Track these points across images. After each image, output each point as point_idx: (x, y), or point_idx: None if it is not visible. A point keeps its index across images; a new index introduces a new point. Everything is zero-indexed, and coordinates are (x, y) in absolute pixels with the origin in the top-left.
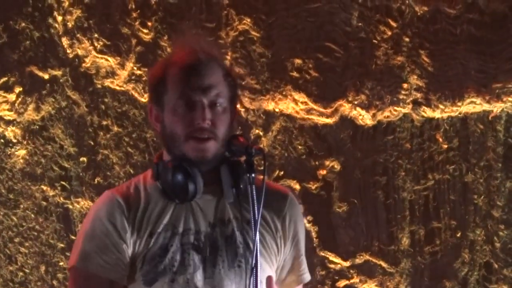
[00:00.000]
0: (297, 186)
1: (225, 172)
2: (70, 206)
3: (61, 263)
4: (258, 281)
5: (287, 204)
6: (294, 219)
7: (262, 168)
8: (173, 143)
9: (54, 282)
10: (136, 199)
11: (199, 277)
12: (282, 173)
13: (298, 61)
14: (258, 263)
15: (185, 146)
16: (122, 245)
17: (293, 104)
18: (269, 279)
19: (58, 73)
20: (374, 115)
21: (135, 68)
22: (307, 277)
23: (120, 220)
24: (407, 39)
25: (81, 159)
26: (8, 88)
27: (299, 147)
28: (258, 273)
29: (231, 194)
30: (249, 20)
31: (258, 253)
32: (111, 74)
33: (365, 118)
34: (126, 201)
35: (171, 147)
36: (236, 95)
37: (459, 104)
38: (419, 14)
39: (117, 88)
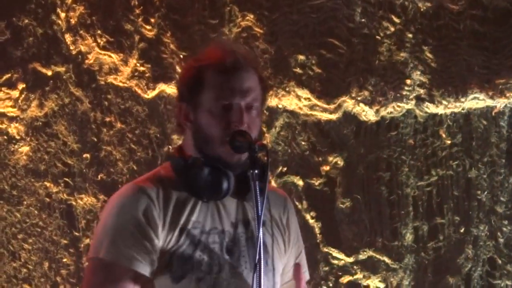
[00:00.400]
0: (301, 182)
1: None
2: (74, 203)
3: (64, 260)
4: (274, 282)
5: (287, 203)
6: (294, 219)
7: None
8: (207, 144)
9: (58, 279)
10: (165, 193)
11: (224, 277)
12: (285, 169)
13: (301, 57)
14: (275, 265)
15: (221, 148)
16: (154, 239)
17: (296, 100)
18: (297, 266)
19: (61, 69)
20: (377, 111)
21: (138, 64)
22: (306, 276)
23: (152, 214)
24: (410, 35)
25: (84, 155)
26: (11, 85)
27: (302, 143)
28: (276, 275)
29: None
30: (252, 16)
31: (274, 255)
32: (114, 70)
33: (368, 114)
34: (155, 194)
35: (204, 147)
36: (266, 99)
37: (463, 100)
38: (422, 10)
39: (120, 84)
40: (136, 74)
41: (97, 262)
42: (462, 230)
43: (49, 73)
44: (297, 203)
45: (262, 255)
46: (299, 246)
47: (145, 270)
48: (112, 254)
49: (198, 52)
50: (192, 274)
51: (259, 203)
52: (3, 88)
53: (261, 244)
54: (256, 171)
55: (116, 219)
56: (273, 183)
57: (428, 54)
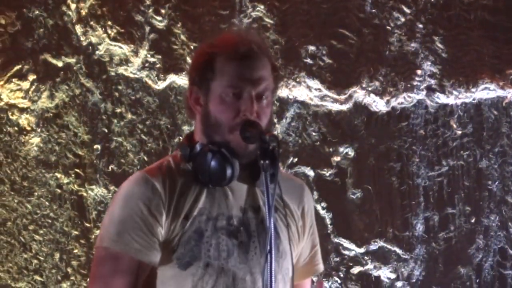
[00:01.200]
0: (311, 173)
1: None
2: (84, 194)
3: (75, 251)
4: (285, 268)
5: (305, 193)
6: (311, 209)
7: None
8: (216, 130)
9: (69, 270)
10: (171, 182)
11: (233, 262)
12: (296, 160)
13: (311, 47)
14: (287, 251)
15: (230, 136)
16: (157, 228)
17: (307, 91)
18: (319, 284)
19: (71, 60)
20: (388, 102)
21: (148, 55)
22: (320, 267)
23: (155, 203)
24: (420, 26)
25: (95, 146)
26: (22, 76)
27: (313, 133)
28: (288, 261)
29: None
30: (262, 7)
31: (287, 241)
32: (125, 61)
33: (379, 104)
34: (161, 182)
35: (212, 133)
36: (277, 88)
37: (473, 90)
38: (432, 0)
39: (131, 75)
40: (146, 65)
41: (102, 251)
42: (473, 220)
43: (60, 64)
44: (309, 191)
45: (273, 241)
46: (314, 239)
47: (149, 259)
48: (116, 244)
49: (213, 38)
50: (199, 261)
51: (269, 193)
52: (13, 79)
53: (272, 232)
54: (267, 161)
55: (120, 209)
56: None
57: (439, 44)
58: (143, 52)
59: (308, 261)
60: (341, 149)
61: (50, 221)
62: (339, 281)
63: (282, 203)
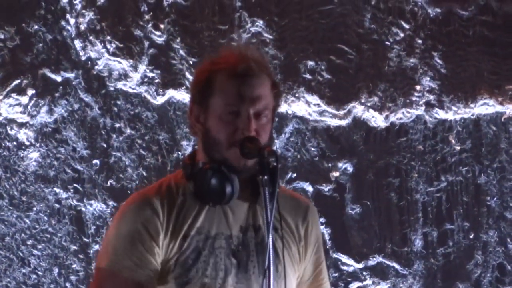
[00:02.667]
0: (310, 188)
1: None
2: (83, 209)
3: (74, 266)
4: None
5: (309, 212)
6: (315, 228)
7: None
8: (215, 148)
9: (67, 285)
10: (170, 201)
11: (230, 282)
12: (295, 175)
13: (310, 63)
14: (286, 273)
15: (228, 153)
16: (154, 248)
17: (305, 106)
18: None
19: (70, 75)
20: (387, 117)
21: (147, 70)
22: (327, 286)
23: (154, 223)
24: (419, 41)
25: (94, 161)
26: (20, 91)
27: (312, 149)
28: (287, 282)
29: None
30: (261, 22)
31: (286, 262)
32: (124, 76)
33: (378, 119)
34: (160, 203)
35: (211, 151)
36: (279, 105)
37: (472, 105)
38: (431, 16)
39: (130, 90)
40: (145, 80)
41: (100, 272)
42: (471, 236)
43: (59, 79)
44: (315, 210)
45: (272, 261)
46: (318, 258)
47: (145, 279)
48: (114, 264)
49: (214, 55)
50: (196, 280)
51: (268, 209)
52: (12, 94)
53: (271, 249)
54: (265, 177)
55: (119, 230)
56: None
57: (438, 60)
58: (142, 67)
59: (313, 280)
60: (340, 165)
61: (48, 236)
62: None
63: (284, 223)
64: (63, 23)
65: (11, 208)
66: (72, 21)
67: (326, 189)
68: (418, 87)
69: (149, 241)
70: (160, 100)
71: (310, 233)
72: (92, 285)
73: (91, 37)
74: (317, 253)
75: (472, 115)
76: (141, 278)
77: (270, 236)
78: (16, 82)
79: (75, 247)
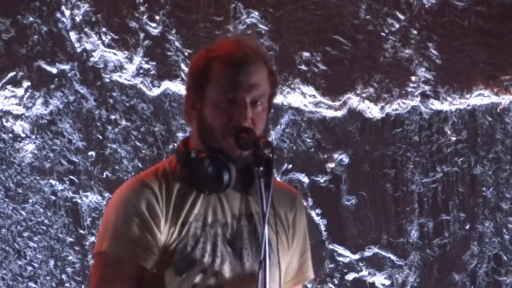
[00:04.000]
0: (306, 179)
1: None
2: (79, 200)
3: (70, 257)
4: (276, 277)
5: (296, 202)
6: (302, 218)
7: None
8: (210, 136)
9: (63, 277)
10: (168, 187)
11: (226, 269)
12: (290, 166)
13: (306, 54)
14: (278, 260)
15: (223, 141)
16: (156, 233)
17: (301, 97)
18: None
19: (66, 67)
20: (382, 108)
21: (143, 62)
22: (310, 275)
23: (154, 207)
24: (415, 32)
25: (90, 153)
26: (16, 83)
27: (308, 140)
28: (280, 269)
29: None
30: (257, 13)
31: (277, 251)
32: (119, 68)
33: (373, 111)
34: (158, 188)
35: (207, 139)
36: (275, 94)
37: (467, 96)
38: (427, 6)
39: (125, 82)
40: (141, 71)
41: (101, 256)
42: (467, 227)
43: (54, 71)
44: (302, 200)
45: (269, 250)
46: (304, 246)
47: (147, 263)
48: (115, 248)
49: (211, 43)
50: (194, 267)
51: (264, 200)
52: (8, 86)
53: (266, 240)
54: (261, 168)
55: (119, 213)
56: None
57: (433, 51)
58: (137, 59)
59: (297, 268)
60: (335, 156)
61: (44, 228)
62: None
63: (273, 212)
64: (58, 14)
65: (7, 200)
66: (67, 12)
67: (321, 180)
68: (413, 78)
69: (151, 224)
70: (155, 92)
71: (298, 221)
72: (93, 269)
73: (86, 29)
74: (303, 241)
75: (468, 105)
76: (145, 262)
77: (266, 228)
78: (12, 74)
79: (71, 239)
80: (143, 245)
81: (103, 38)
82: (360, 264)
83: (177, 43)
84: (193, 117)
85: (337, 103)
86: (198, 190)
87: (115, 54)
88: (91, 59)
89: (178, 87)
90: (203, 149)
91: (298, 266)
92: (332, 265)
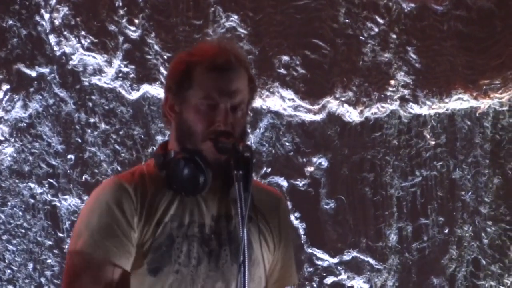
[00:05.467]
0: (285, 183)
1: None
2: (58, 204)
3: (49, 261)
4: (257, 277)
5: (281, 205)
6: (287, 221)
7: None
8: (188, 138)
9: (42, 280)
10: (143, 188)
11: (202, 270)
12: (269, 170)
13: (285, 57)
14: (259, 261)
15: (202, 145)
16: (130, 231)
17: (280, 101)
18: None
19: (45, 70)
20: (361, 112)
21: (122, 65)
22: (294, 280)
23: (128, 207)
24: (394, 36)
25: (69, 156)
26: None
27: (287, 144)
28: (261, 270)
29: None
30: (236, 17)
31: (261, 251)
32: (98, 71)
33: (352, 114)
34: (133, 188)
35: (185, 141)
36: (254, 99)
37: (447, 100)
38: (406, 10)
39: (105, 85)
40: (120, 75)
41: (75, 255)
42: (446, 231)
43: (33, 74)
44: (286, 203)
45: (246, 251)
46: (288, 250)
47: (122, 262)
48: (89, 246)
49: (192, 46)
50: (169, 267)
51: (243, 203)
52: None
53: (245, 246)
54: (240, 172)
55: (93, 213)
56: (260, 182)
57: (412, 55)
58: (116, 62)
59: (283, 272)
60: (314, 159)
61: (23, 231)
62: None
63: (256, 212)
64: (37, 18)
65: None
66: (46, 16)
67: (300, 184)
68: (392, 82)
69: (125, 223)
70: (134, 95)
71: (282, 224)
72: (66, 270)
73: (65, 32)
74: (287, 246)
75: (447, 109)
76: (119, 262)
77: (245, 232)
78: None
79: (50, 242)
80: (116, 244)
81: (83, 41)
82: (339, 267)
83: (156, 47)
84: (171, 119)
85: (316, 107)
86: (174, 191)
87: (94, 57)
88: (70, 62)
89: (157, 91)
90: (180, 151)
91: (282, 270)
92: (311, 269)
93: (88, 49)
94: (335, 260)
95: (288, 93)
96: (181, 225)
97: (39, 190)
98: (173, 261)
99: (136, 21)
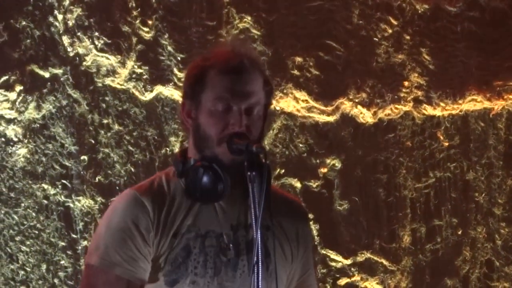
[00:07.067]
0: (298, 184)
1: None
2: (71, 205)
3: (62, 262)
4: (273, 286)
5: (301, 214)
6: (306, 231)
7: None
8: (205, 143)
9: (55, 281)
10: (161, 199)
11: (219, 280)
12: (283, 171)
13: (299, 59)
14: (278, 272)
15: (218, 149)
16: (145, 247)
17: (294, 102)
18: None
19: (58, 71)
20: (375, 113)
21: (135, 66)
22: None
23: (145, 222)
24: (408, 37)
25: (82, 157)
26: (9, 87)
27: (300, 145)
28: (278, 282)
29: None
30: (249, 18)
31: (277, 261)
32: (112, 72)
33: (366, 116)
34: (151, 201)
35: (202, 147)
36: (271, 102)
37: (460, 101)
38: (420, 12)
39: (118, 86)
40: (133, 76)
41: (90, 269)
42: (459, 232)
43: (47, 75)
44: (306, 211)
45: (261, 259)
46: (308, 260)
47: (137, 278)
48: (104, 262)
49: (206, 51)
50: (186, 278)
51: (256, 205)
52: (0, 90)
53: (259, 247)
54: (253, 173)
55: (109, 227)
56: (279, 189)
57: (426, 56)
58: (130, 63)
59: (301, 282)
60: (328, 161)
61: (36, 232)
62: None
63: (276, 222)
64: (51, 19)
65: None
66: (60, 17)
67: (314, 185)
68: (406, 83)
69: (139, 238)
70: (148, 96)
71: (301, 233)
72: (82, 281)
73: (79, 33)
74: (307, 254)
75: (460, 111)
76: (132, 276)
77: (259, 231)
78: (4, 78)
79: (63, 243)
80: (130, 260)
81: (96, 42)
82: (352, 269)
83: (169, 48)
84: (188, 125)
85: (330, 108)
86: (193, 200)
87: (107, 58)
88: (84, 63)
89: (170, 92)
90: (199, 158)
91: (302, 279)
92: (325, 270)
93: (101, 50)
94: (349, 262)
95: (302, 94)
96: (198, 235)
97: (52, 191)
98: (190, 272)
99: (150, 22)
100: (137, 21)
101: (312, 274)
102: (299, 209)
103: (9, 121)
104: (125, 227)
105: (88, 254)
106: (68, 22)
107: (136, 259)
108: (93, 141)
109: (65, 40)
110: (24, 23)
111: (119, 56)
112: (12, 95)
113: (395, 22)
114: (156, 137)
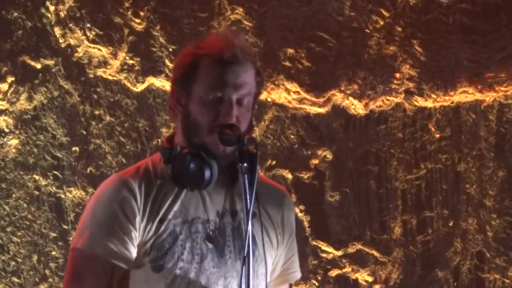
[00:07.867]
0: (289, 176)
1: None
2: (63, 196)
3: (53, 253)
4: (260, 273)
5: (286, 201)
6: (291, 217)
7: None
8: (194, 131)
9: (47, 272)
10: (148, 184)
11: (206, 266)
12: (274, 162)
13: (290, 50)
14: (263, 257)
15: (208, 137)
16: (131, 230)
17: (285, 94)
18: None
19: (50, 62)
20: (366, 105)
21: (127, 57)
22: (297, 275)
23: (130, 205)
24: (399, 29)
25: (73, 148)
26: (0, 78)
27: (291, 136)
28: (263, 266)
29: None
30: (241, 9)
31: (263, 247)
32: (104, 63)
33: (357, 107)
34: (137, 185)
35: (191, 134)
36: (260, 93)
37: (452, 93)
38: (411, 3)
39: (110, 77)
40: (125, 67)
41: (76, 253)
42: (450, 224)
43: (38, 66)
44: (291, 199)
45: (254, 247)
46: (291, 246)
47: (122, 261)
48: (90, 246)
49: (200, 39)
50: (172, 264)
51: (247, 196)
52: None
53: (250, 236)
54: (245, 164)
55: (95, 211)
56: (265, 177)
57: (417, 48)
58: (121, 55)
59: (285, 268)
60: (319, 152)
61: (28, 223)
62: (316, 284)
63: (262, 209)
64: (43, 10)
65: None
66: (51, 8)
67: (305, 177)
68: (397, 75)
69: (126, 222)
70: (139, 88)
71: (286, 220)
72: (68, 266)
73: (70, 25)
74: (291, 241)
75: (452, 103)
76: (118, 260)
77: (250, 224)
78: None
79: (54, 234)
80: (117, 244)
81: (88, 33)
82: (343, 260)
83: (161, 39)
84: (177, 112)
85: (321, 100)
86: (180, 186)
87: (99, 49)
88: (76, 54)
89: (162, 83)
90: (186, 146)
91: (286, 265)
92: (316, 262)
93: (93, 41)
94: (340, 253)
95: (293, 86)
96: (184, 221)
97: (43, 182)
98: (177, 258)
99: (141, 13)
100: (129, 13)
101: (296, 260)
102: (284, 197)
103: (1, 112)
104: (112, 211)
105: (74, 237)
106: (60, 13)
107: (122, 243)
108: (84, 132)
109: (57, 31)
110: (16, 14)
111: (111, 48)
112: (4, 86)
113: (386, 14)
114: (147, 128)
